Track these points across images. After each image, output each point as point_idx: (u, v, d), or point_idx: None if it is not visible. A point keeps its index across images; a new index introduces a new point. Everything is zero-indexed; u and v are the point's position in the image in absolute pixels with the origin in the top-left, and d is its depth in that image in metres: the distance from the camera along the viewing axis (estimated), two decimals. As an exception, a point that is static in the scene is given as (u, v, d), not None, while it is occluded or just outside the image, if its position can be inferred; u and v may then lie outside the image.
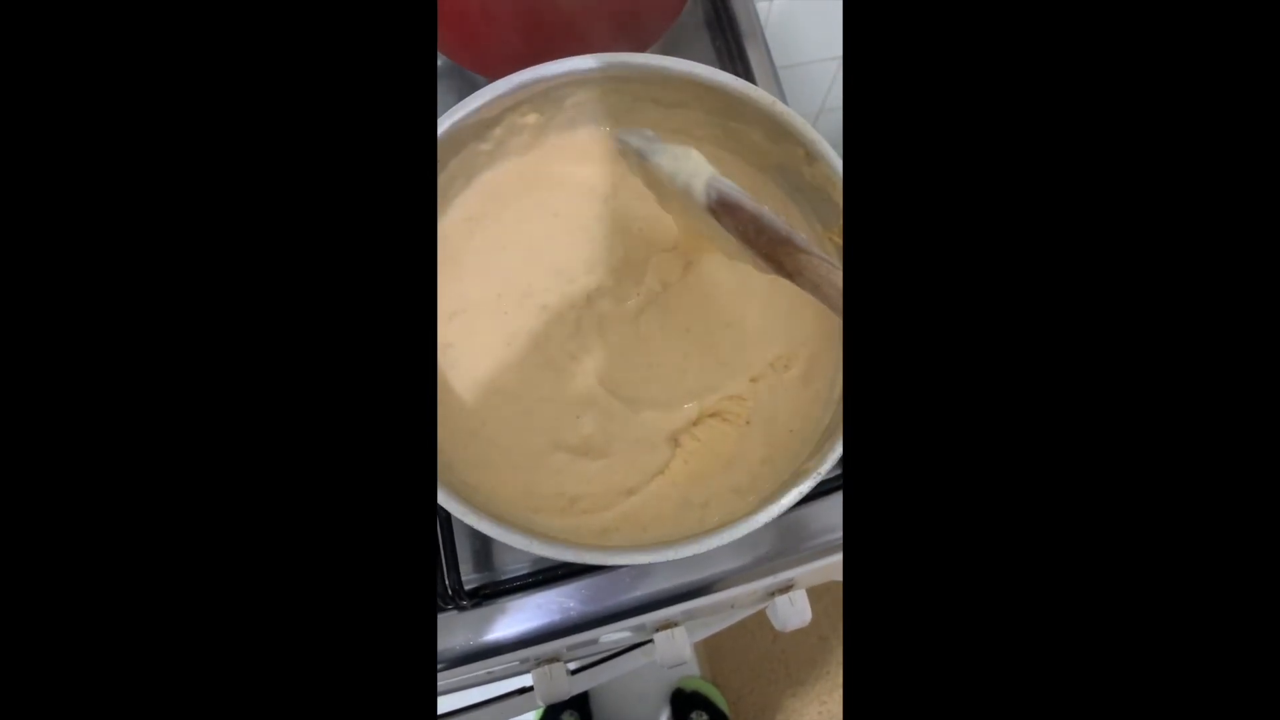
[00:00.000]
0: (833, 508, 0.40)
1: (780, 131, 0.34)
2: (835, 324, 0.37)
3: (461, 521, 0.40)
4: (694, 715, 0.97)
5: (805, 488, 0.30)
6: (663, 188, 0.31)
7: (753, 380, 0.37)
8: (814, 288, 0.26)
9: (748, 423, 0.36)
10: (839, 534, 0.40)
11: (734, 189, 0.27)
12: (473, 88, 0.33)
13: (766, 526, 0.39)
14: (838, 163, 0.34)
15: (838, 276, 0.25)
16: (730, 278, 0.37)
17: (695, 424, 0.36)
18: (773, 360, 0.37)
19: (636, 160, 0.32)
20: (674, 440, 0.36)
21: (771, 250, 0.26)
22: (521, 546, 0.29)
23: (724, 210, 0.27)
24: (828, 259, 0.26)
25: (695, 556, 0.39)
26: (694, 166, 0.28)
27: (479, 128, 0.35)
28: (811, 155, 0.34)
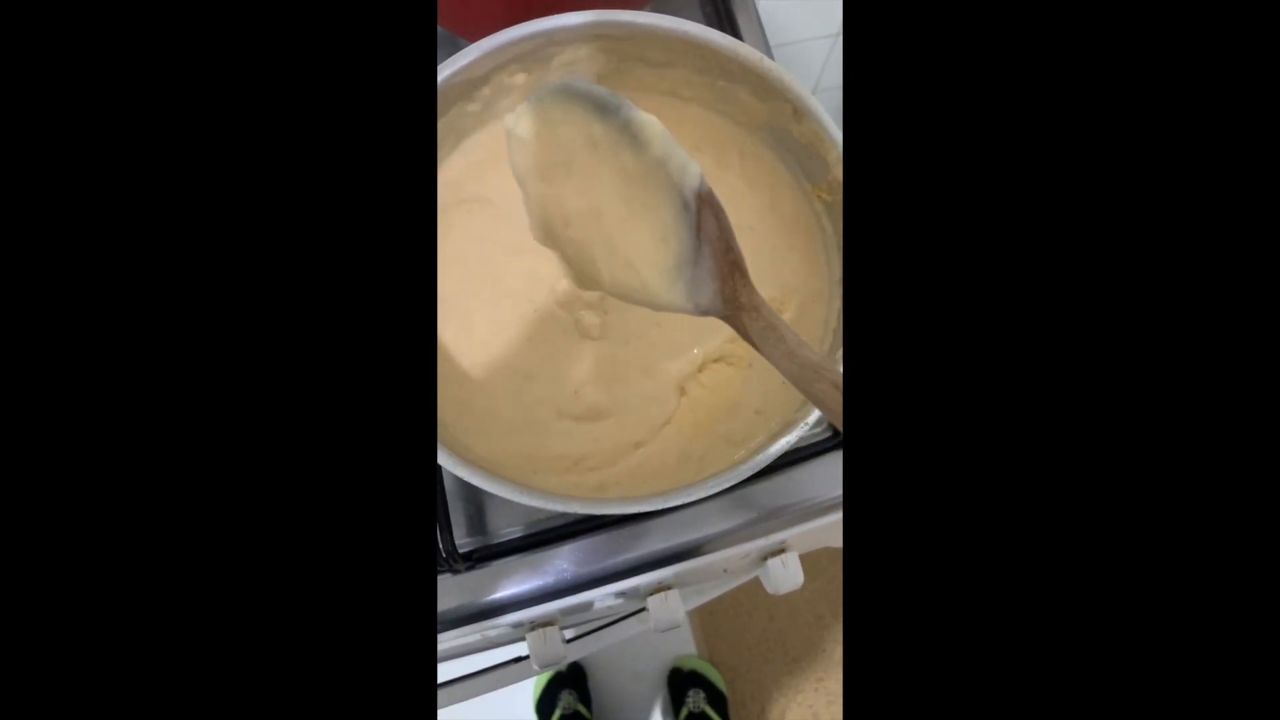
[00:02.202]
0: (824, 470, 0.40)
1: (768, 88, 0.34)
2: (823, 282, 0.37)
3: (455, 486, 0.41)
4: (691, 694, 0.97)
5: (792, 438, 0.31)
6: (572, 163, 0.27)
7: None
8: (756, 332, 0.25)
9: (750, 365, 0.36)
10: (831, 495, 0.40)
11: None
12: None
13: (758, 488, 0.40)
14: (826, 118, 0.34)
15: (778, 333, 0.25)
16: None
17: (701, 370, 0.36)
18: (768, 300, 0.37)
19: (579, 118, 0.26)
20: (681, 389, 0.36)
21: (729, 272, 0.25)
22: (511, 497, 0.29)
23: (710, 210, 0.25)
24: (776, 319, 0.25)
25: (688, 517, 0.40)
26: (682, 151, 0.25)
27: (466, 87, 0.35)
28: (799, 111, 0.34)
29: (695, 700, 0.97)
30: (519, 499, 0.29)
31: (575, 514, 0.39)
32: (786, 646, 1.04)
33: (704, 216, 0.25)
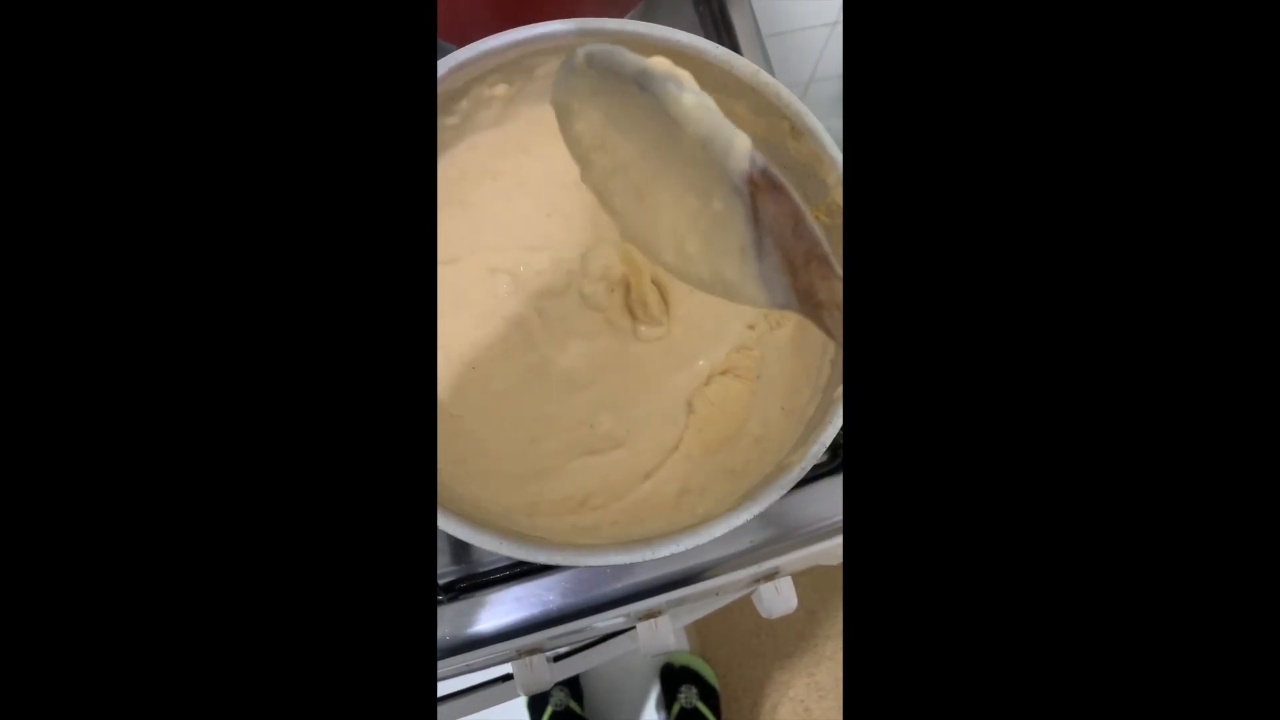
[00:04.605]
0: (817, 496, 0.39)
1: (764, 103, 0.32)
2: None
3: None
4: (683, 689, 0.97)
5: (788, 482, 0.29)
6: (617, 148, 0.24)
7: (750, 327, 0.35)
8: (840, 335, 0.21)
9: (758, 377, 0.35)
10: (823, 522, 0.39)
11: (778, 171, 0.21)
12: (441, 56, 0.31)
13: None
14: (825, 137, 0.32)
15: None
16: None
17: (708, 384, 0.35)
18: (764, 311, 0.35)
19: (616, 93, 0.23)
20: (689, 406, 0.35)
21: (804, 263, 0.20)
22: (491, 548, 0.28)
23: (767, 191, 0.20)
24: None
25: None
26: (729, 124, 0.21)
27: (443, 100, 0.33)
28: (797, 129, 0.32)
29: (687, 696, 0.97)
30: (496, 549, 0.28)
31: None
32: (778, 642, 1.04)
33: (760, 202, 0.20)
